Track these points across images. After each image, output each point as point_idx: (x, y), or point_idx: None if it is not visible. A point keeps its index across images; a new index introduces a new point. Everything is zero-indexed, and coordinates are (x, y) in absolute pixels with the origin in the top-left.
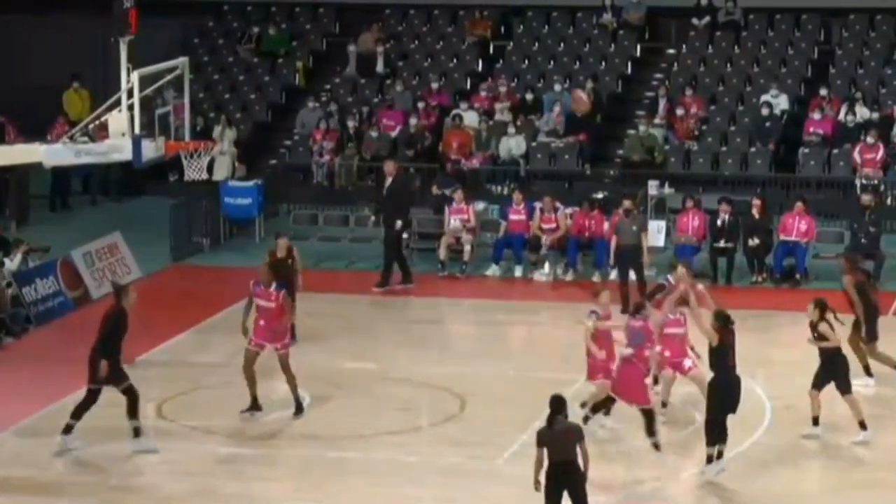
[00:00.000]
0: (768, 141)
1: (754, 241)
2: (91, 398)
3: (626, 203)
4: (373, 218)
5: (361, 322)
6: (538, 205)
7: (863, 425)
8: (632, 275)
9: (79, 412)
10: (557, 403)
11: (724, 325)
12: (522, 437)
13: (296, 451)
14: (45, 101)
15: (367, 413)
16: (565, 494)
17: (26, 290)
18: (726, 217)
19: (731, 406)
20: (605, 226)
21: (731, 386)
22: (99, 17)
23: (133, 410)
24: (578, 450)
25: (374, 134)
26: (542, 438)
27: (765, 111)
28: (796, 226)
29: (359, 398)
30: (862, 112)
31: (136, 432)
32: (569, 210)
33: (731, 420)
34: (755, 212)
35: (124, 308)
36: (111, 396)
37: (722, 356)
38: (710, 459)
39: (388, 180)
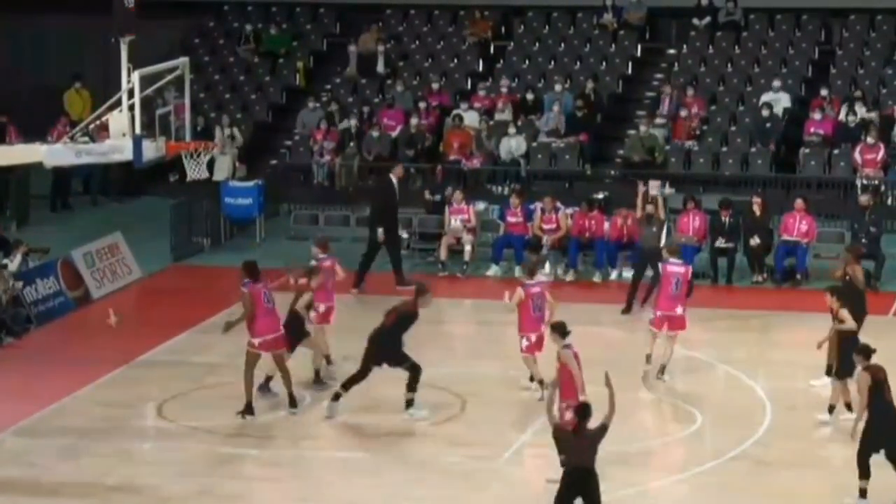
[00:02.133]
0: (769, 141)
1: (755, 241)
2: (361, 375)
3: (649, 208)
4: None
5: (362, 322)
6: (538, 205)
7: (845, 407)
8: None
9: (349, 384)
10: (586, 410)
11: (868, 358)
12: (522, 437)
13: (296, 451)
14: (46, 101)
15: (367, 413)
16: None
17: (27, 290)
18: (727, 218)
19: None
20: (606, 226)
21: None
22: (100, 17)
23: (413, 385)
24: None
25: (375, 134)
26: (563, 443)
27: (765, 112)
28: (797, 226)
29: (359, 398)
30: (862, 112)
31: (409, 404)
32: (569, 210)
33: (732, 419)
34: (756, 208)
35: (417, 311)
36: (106, 397)
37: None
38: (862, 494)
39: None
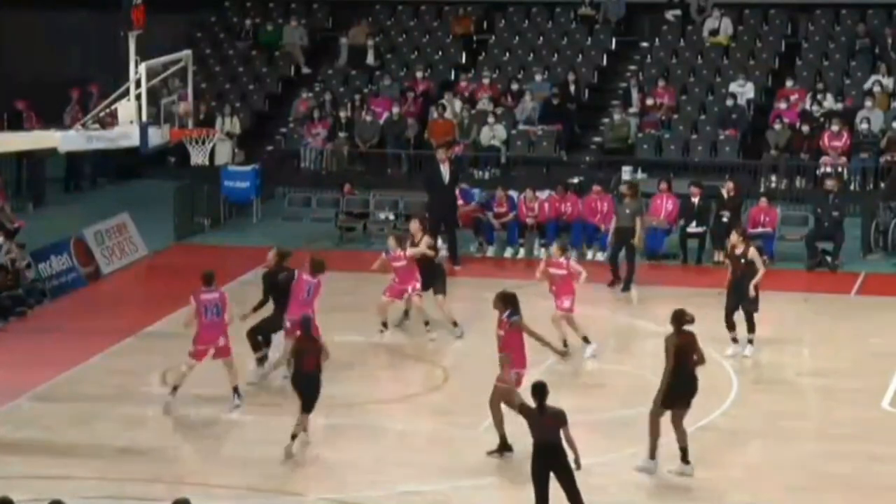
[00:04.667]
0: (735, 129)
1: (724, 215)
2: None
3: (622, 188)
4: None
5: (353, 297)
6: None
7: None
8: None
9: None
10: (542, 389)
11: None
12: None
13: (290, 418)
14: (61, 91)
15: (357, 383)
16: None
17: (42, 266)
18: (697, 200)
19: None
20: (580, 206)
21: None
22: (110, 13)
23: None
24: (562, 434)
25: (368, 118)
26: (529, 416)
27: (729, 102)
28: (762, 220)
29: (350, 370)
30: (827, 102)
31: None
32: (544, 194)
33: (701, 391)
34: (725, 192)
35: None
36: (116, 365)
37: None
38: (652, 454)
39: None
